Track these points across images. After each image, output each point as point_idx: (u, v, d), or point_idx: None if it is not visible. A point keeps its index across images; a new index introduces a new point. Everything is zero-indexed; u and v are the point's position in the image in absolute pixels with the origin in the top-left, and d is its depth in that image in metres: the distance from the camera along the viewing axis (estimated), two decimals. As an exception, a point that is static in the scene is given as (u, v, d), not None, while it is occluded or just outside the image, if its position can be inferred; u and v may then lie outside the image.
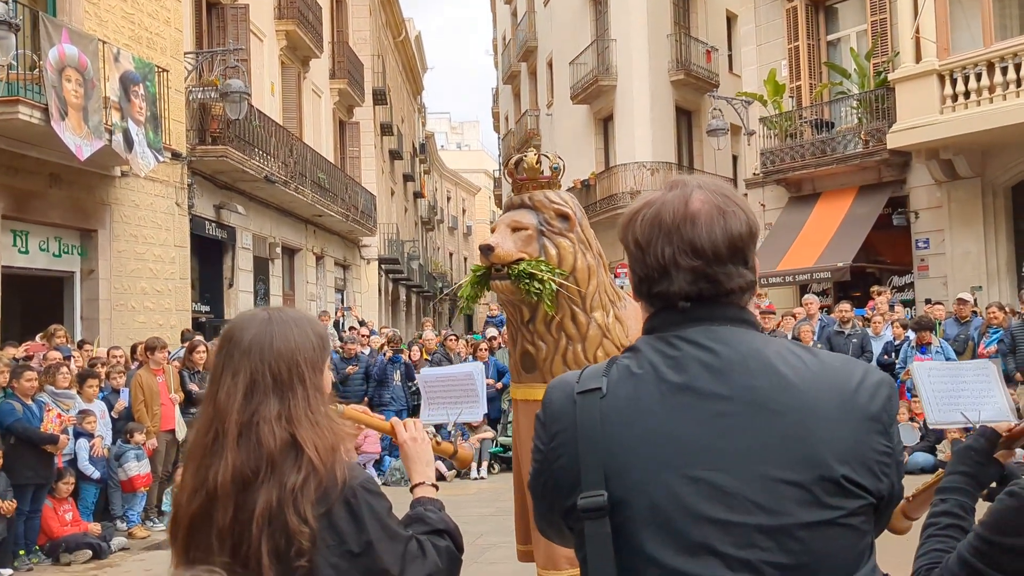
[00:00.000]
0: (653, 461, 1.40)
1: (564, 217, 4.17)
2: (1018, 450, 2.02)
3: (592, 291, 4.17)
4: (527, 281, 3.97)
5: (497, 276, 4.06)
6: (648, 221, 1.50)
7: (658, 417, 1.41)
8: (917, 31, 15.53)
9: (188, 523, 1.83)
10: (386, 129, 35.01)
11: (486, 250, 4.05)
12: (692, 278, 1.46)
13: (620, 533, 1.40)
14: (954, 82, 15.04)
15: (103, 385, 9.43)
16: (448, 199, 65.30)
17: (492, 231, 4.15)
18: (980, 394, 2.39)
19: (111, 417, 9.33)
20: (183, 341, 12.09)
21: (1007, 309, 11.94)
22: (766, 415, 1.39)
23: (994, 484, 1.86)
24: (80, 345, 10.94)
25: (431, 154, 56.11)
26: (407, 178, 43.89)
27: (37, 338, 10.16)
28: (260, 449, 1.79)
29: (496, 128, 51.05)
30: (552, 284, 3.98)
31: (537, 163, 4.27)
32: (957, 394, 2.43)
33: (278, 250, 20.59)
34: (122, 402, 9.52)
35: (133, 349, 10.84)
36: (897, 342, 11.45)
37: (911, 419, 10.74)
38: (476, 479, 12.24)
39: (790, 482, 1.37)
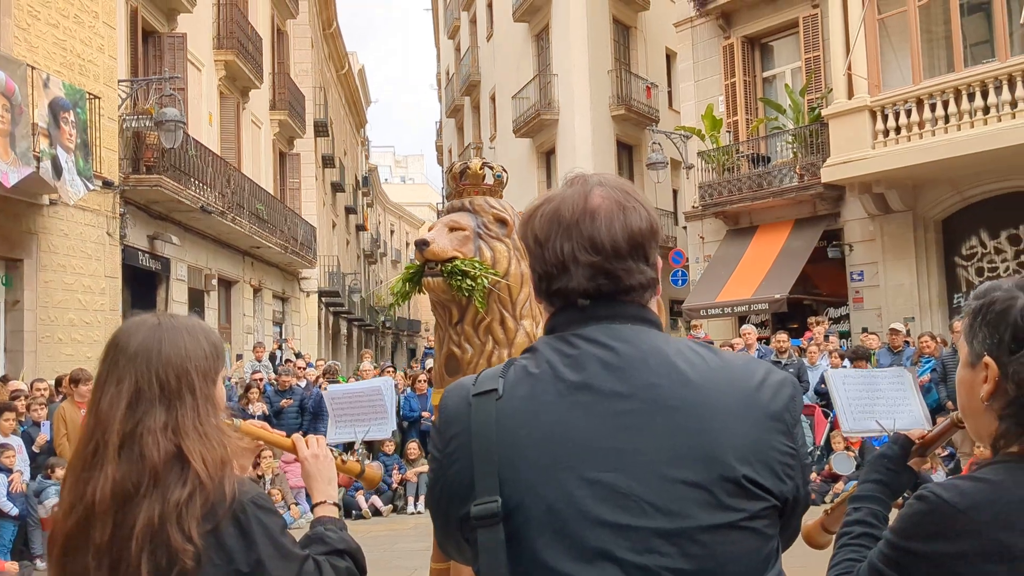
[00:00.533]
0: (549, 463, 1.34)
1: (502, 222, 4.15)
2: (940, 470, 1.98)
3: (523, 299, 4.11)
4: (459, 278, 3.93)
5: (430, 273, 4.01)
6: (547, 217, 1.46)
7: (554, 417, 1.36)
8: (849, 68, 15.89)
9: (64, 541, 1.72)
10: (328, 161, 34.81)
11: (421, 244, 4.00)
12: (591, 274, 1.42)
13: (515, 540, 1.34)
14: (885, 118, 15.39)
15: (23, 418, 9.09)
16: (392, 232, 65.08)
17: (429, 229, 4.11)
18: (895, 402, 2.35)
19: (31, 451, 8.98)
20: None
21: (939, 339, 12.15)
22: (666, 413, 1.34)
23: (908, 492, 1.82)
24: (3, 380, 10.54)
25: (374, 187, 55.94)
26: (349, 211, 43.63)
27: (-46, 370, 9.77)
28: (143, 461, 1.68)
29: (440, 161, 51.11)
30: (484, 281, 3.93)
31: (481, 170, 4.28)
32: (872, 402, 2.39)
33: (214, 282, 20.22)
34: (43, 436, 9.18)
35: (58, 382, 10.49)
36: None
37: (847, 448, 10.82)
38: (413, 513, 12.03)
39: (690, 483, 1.32)
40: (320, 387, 13.10)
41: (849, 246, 17.27)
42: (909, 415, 2.29)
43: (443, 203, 49.65)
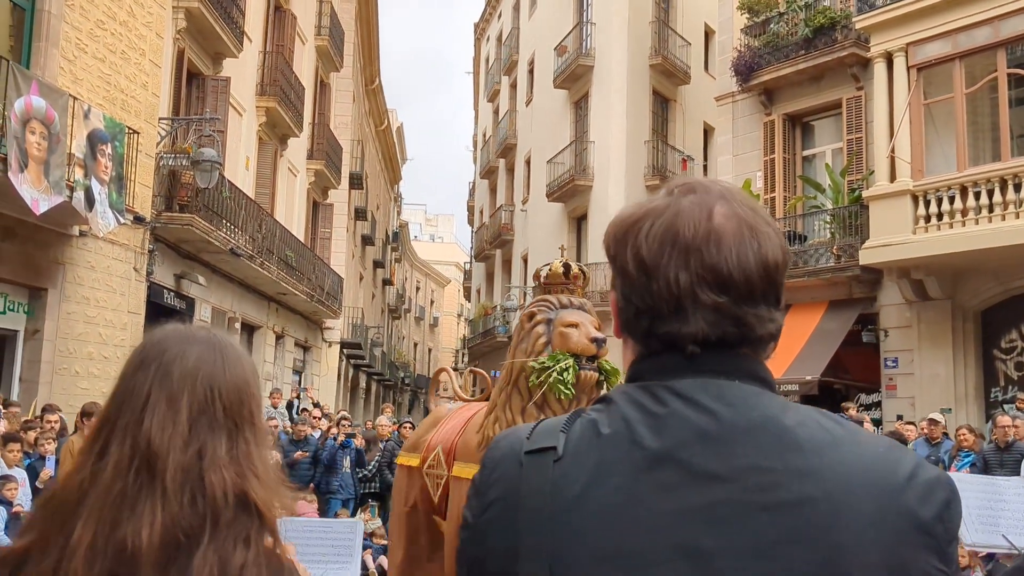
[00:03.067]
0: (611, 556, 1.04)
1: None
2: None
3: None
4: (612, 376, 4.37)
5: (588, 367, 4.33)
6: (658, 235, 1.13)
7: (624, 496, 1.05)
8: (892, 151, 15.68)
9: None
10: (360, 214, 34.92)
11: (602, 342, 4.36)
12: (715, 319, 1.10)
13: None
14: (927, 203, 15.11)
15: (30, 451, 8.84)
16: (417, 289, 65.11)
17: (575, 325, 4.40)
18: (1022, 514, 2.02)
19: (34, 486, 8.71)
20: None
21: (976, 432, 11.70)
22: (774, 511, 1.02)
23: None
24: (6, 405, 10.31)
25: (404, 243, 56.15)
26: (377, 264, 43.69)
27: (-33, 396, 9.57)
28: (203, 501, 1.32)
29: (470, 221, 51.26)
30: (617, 380, 4.33)
31: (559, 269, 4.76)
32: (996, 513, 2.06)
33: (237, 325, 20.07)
34: (47, 471, 8.92)
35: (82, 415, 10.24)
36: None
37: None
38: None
39: None
40: (335, 439, 12.77)
41: (884, 331, 16.86)
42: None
43: (471, 263, 49.79)
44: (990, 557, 9.73)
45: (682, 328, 1.11)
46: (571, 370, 4.30)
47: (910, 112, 15.58)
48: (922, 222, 15.14)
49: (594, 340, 4.35)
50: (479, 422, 4.73)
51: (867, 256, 15.87)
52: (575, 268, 4.75)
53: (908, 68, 15.76)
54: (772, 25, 19.02)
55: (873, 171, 16.43)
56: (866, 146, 17.21)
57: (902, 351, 16.52)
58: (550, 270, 4.75)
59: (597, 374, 4.33)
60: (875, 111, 16.34)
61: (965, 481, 2.12)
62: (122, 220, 12.59)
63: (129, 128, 13.21)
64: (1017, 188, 14.05)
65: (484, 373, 7.07)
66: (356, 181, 32.61)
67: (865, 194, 16.28)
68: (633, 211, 1.18)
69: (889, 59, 16.02)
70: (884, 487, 1.04)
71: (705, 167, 27.20)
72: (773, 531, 1.01)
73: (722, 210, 1.13)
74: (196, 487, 1.33)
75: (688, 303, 1.10)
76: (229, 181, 17.39)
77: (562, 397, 4.29)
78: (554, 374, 4.29)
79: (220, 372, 1.42)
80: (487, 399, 5.60)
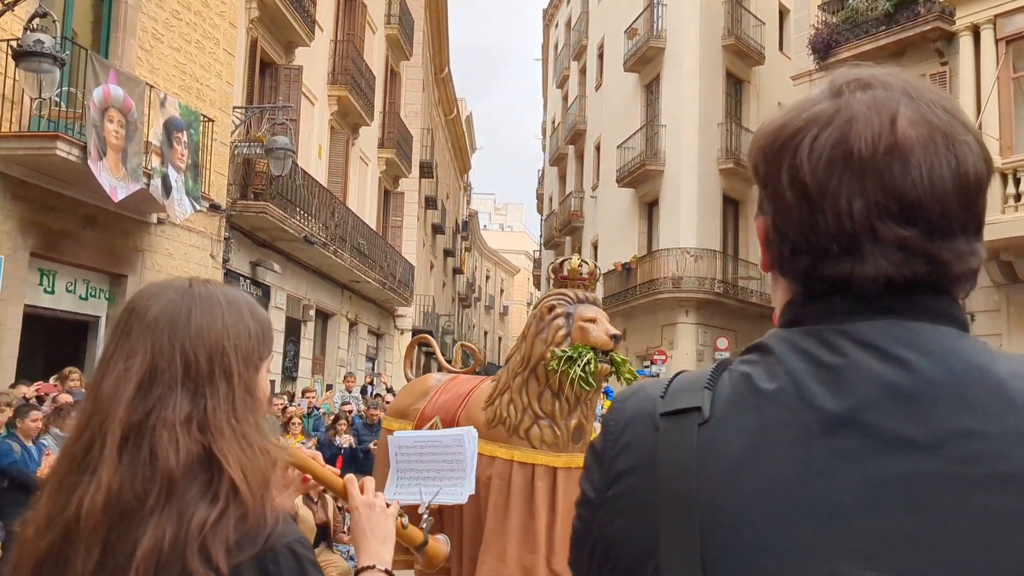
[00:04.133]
0: (790, 546, 0.83)
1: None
2: None
3: None
4: (621, 367, 4.77)
5: (604, 360, 4.67)
6: (824, 152, 0.89)
7: (796, 469, 0.84)
8: (979, 128, 15.05)
9: (32, 570, 1.26)
10: (430, 203, 35.03)
11: (618, 339, 4.71)
12: (900, 258, 0.87)
13: None
14: (1017, 181, 14.50)
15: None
16: (487, 278, 65.25)
17: (593, 320, 4.70)
18: None
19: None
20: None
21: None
22: (994, 485, 0.81)
23: None
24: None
25: (473, 232, 56.25)
26: (447, 253, 43.84)
27: (51, 380, 9.78)
28: (153, 464, 1.23)
29: (539, 209, 51.10)
30: (632, 375, 4.76)
31: (579, 267, 5.10)
32: None
33: (312, 312, 20.27)
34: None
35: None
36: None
37: None
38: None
39: None
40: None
41: (971, 316, 16.25)
42: None
43: (540, 251, 49.69)
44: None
45: (856, 269, 0.88)
46: (592, 363, 4.57)
47: (998, 87, 14.95)
48: (1011, 201, 14.54)
49: (612, 336, 4.66)
50: (482, 398, 5.00)
51: (953, 237, 15.28)
52: (590, 266, 5.19)
53: (996, 41, 15.13)
54: (851, 0, 18.46)
55: (958, 149, 15.82)
56: (951, 123, 16.57)
57: (990, 335, 15.90)
58: (570, 266, 5.06)
59: (610, 367, 4.69)
60: (960, 87, 15.72)
61: None
62: (198, 207, 12.75)
63: (204, 116, 13.37)
64: (1115, 164, 13.38)
65: (475, 348, 7.14)
66: (426, 170, 32.70)
67: (950, 173, 15.69)
68: (789, 118, 0.94)
69: (976, 32, 15.41)
70: None
71: (780, 150, 26.62)
72: (991, 514, 0.80)
73: (908, 114, 0.88)
74: (148, 449, 1.24)
75: (865, 239, 0.87)
76: (302, 169, 17.54)
77: (585, 388, 4.63)
78: (578, 369, 4.56)
79: (184, 324, 1.31)
80: (473, 373, 5.83)
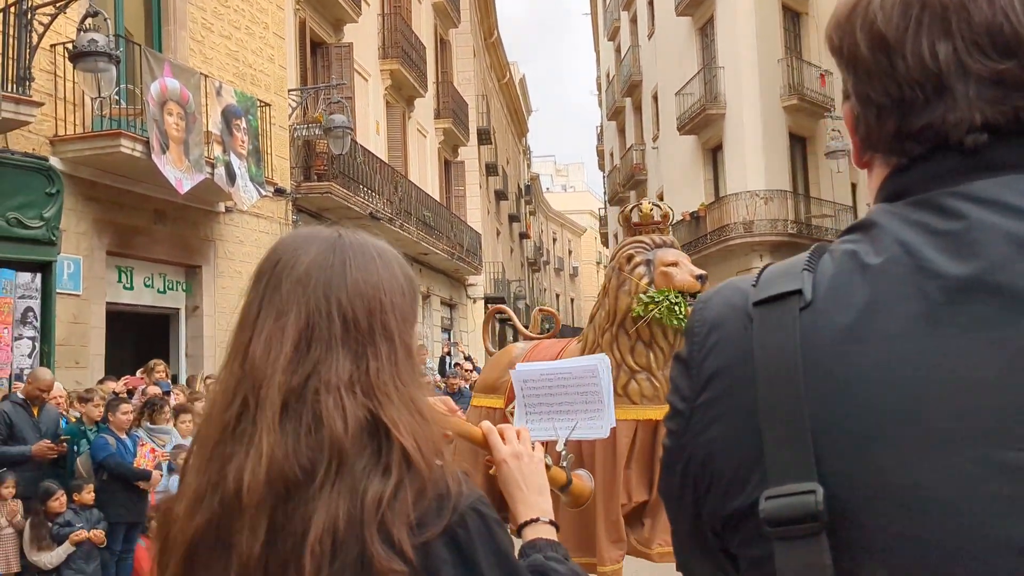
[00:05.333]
0: (925, 430, 0.71)
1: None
2: None
3: None
4: None
5: (692, 304, 4.49)
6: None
7: (923, 345, 0.73)
8: None
9: (187, 550, 1.13)
10: (491, 169, 34.93)
11: (704, 279, 4.44)
12: (998, 93, 0.76)
13: (842, 570, 0.72)
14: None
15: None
16: (554, 241, 65.05)
17: (675, 264, 4.47)
18: None
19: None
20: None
21: None
22: None
23: None
24: (174, 380, 10.71)
25: (536, 195, 56.03)
26: (512, 219, 43.74)
27: (137, 373, 9.97)
28: (319, 432, 1.10)
29: (601, 166, 50.64)
30: None
31: (650, 211, 4.82)
32: None
33: (384, 288, 20.37)
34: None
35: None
36: None
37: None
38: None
39: None
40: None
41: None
42: None
43: (605, 209, 49.28)
44: None
45: (948, 114, 0.78)
46: (681, 305, 4.30)
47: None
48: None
49: (698, 277, 4.38)
50: None
51: None
52: (663, 208, 4.86)
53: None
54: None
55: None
56: None
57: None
58: (641, 212, 4.78)
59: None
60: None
61: None
62: (263, 192, 12.83)
63: (261, 101, 13.42)
64: None
65: (554, 312, 7.03)
66: (484, 137, 32.56)
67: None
68: None
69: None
70: None
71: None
72: None
73: None
74: (311, 414, 1.11)
75: (954, 78, 0.77)
76: (362, 146, 17.55)
77: (675, 324, 4.32)
78: (664, 303, 4.30)
79: (339, 278, 1.18)
80: (555, 337, 5.67)
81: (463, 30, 30.64)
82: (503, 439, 1.48)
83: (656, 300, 4.38)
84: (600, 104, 49.42)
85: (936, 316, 0.73)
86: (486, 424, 1.53)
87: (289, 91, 15.61)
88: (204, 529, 1.12)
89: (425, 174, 24.67)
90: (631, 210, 4.95)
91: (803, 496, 0.73)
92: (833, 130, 19.26)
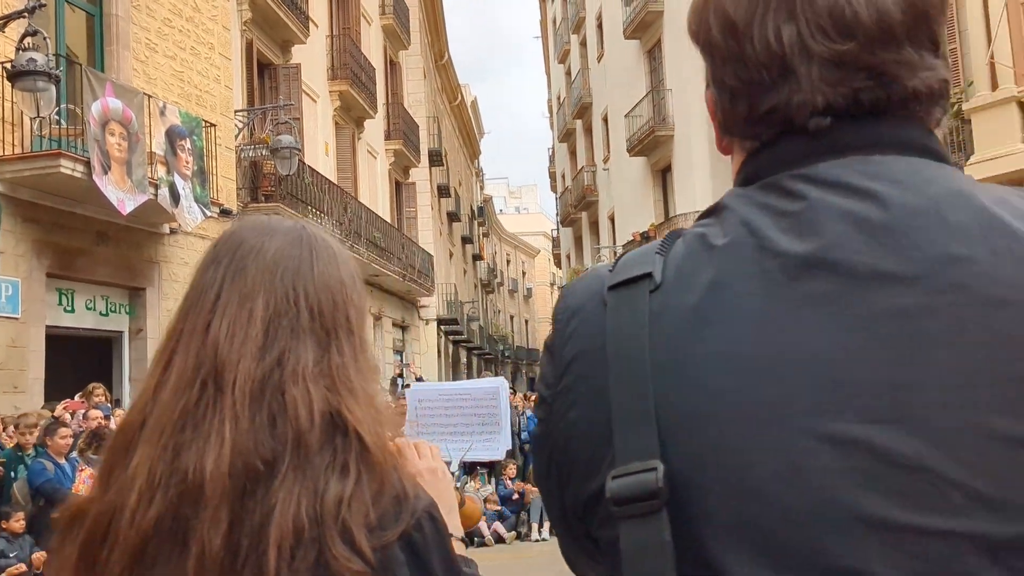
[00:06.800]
0: (755, 405, 0.72)
1: None
2: None
3: None
4: None
5: None
6: None
7: (764, 321, 0.74)
8: (992, 57, 14.75)
9: (137, 546, 1.04)
10: (443, 191, 34.95)
11: None
12: (839, 75, 0.78)
13: (686, 545, 0.73)
14: (1035, 108, 14.20)
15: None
16: (508, 262, 65.14)
17: None
18: None
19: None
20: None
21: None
22: (986, 314, 0.70)
23: None
24: (118, 404, 10.53)
25: (489, 217, 56.14)
26: (465, 240, 43.75)
27: (76, 397, 9.78)
28: (283, 423, 1.05)
29: (553, 188, 50.93)
30: None
31: None
32: None
33: (334, 310, 20.24)
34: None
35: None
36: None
37: None
38: (538, 541, 11.49)
39: None
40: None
41: (998, 250, 15.99)
42: None
43: (558, 230, 49.51)
44: None
45: (793, 96, 0.79)
46: None
47: (1007, 11, 14.61)
48: (1031, 129, 14.24)
49: None
50: None
51: (974, 172, 14.96)
52: None
53: (1001, -33, 14.78)
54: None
55: (972, 82, 15.51)
56: (961, 56, 16.24)
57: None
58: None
59: None
60: (968, 17, 15.40)
61: None
62: (208, 213, 12.71)
63: (206, 122, 13.31)
64: None
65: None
66: (435, 158, 32.60)
67: (966, 107, 15.38)
68: None
69: (979, -40, 15.07)
70: None
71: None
72: (986, 345, 0.70)
73: None
74: (275, 404, 1.06)
75: (797, 60, 0.78)
76: (310, 167, 17.48)
77: None
78: None
79: (307, 268, 1.14)
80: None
81: (413, 52, 30.72)
82: (418, 453, 1.45)
83: None
84: (552, 126, 49.79)
85: (775, 293, 0.74)
86: (401, 440, 1.52)
87: (236, 112, 15.51)
88: (158, 522, 1.04)
89: (376, 195, 24.62)
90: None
91: (645, 474, 0.73)
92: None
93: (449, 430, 2.66)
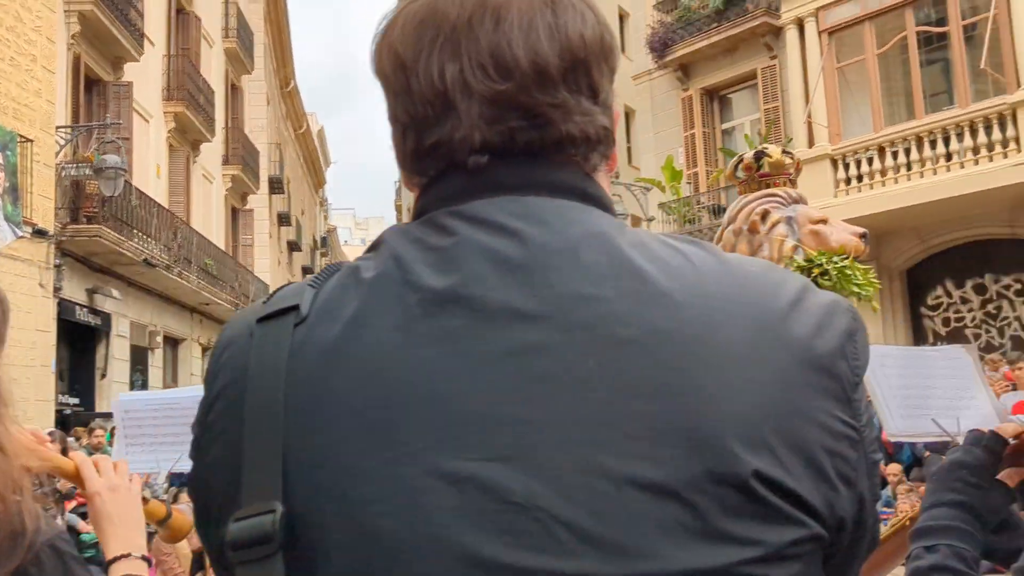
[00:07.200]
0: (378, 443, 0.70)
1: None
2: None
3: None
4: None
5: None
6: (414, 21, 0.82)
7: (397, 357, 0.72)
8: (809, 117, 15.72)
9: None
10: (284, 219, 34.23)
11: (867, 238, 3.52)
12: (494, 113, 0.79)
13: None
14: (847, 166, 15.19)
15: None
16: (350, 294, 64.43)
17: (825, 221, 3.46)
18: (956, 393, 1.69)
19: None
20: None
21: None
22: (610, 352, 0.71)
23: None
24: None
25: (333, 247, 55.36)
26: (306, 270, 42.91)
27: None
28: None
29: (399, 220, 50.76)
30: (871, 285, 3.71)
31: (782, 157, 3.59)
32: (926, 392, 1.71)
33: (159, 339, 19.39)
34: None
35: None
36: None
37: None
38: None
39: (651, 486, 0.68)
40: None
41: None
42: (977, 411, 1.64)
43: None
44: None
45: (455, 132, 0.79)
46: (854, 268, 3.41)
47: (824, 77, 15.63)
48: (843, 185, 15.24)
49: (861, 235, 3.44)
50: None
51: (792, 223, 15.89)
52: (795, 158, 3.68)
53: (819, 33, 15.83)
54: (683, -1, 19.00)
55: (792, 138, 16.46)
56: (783, 115, 17.26)
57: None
58: (771, 159, 3.55)
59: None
60: (790, 79, 16.39)
61: (889, 355, 1.64)
62: (20, 233, 11.97)
63: (22, 137, 12.57)
64: (932, 145, 14.19)
65: None
66: (276, 186, 31.90)
67: (785, 162, 16.32)
68: (395, 5, 0.88)
69: (800, 25, 16.09)
70: (762, 313, 0.74)
71: (629, 150, 27.19)
72: (610, 383, 0.70)
73: None
74: None
75: (459, 97, 0.79)
76: (138, 189, 16.76)
77: (854, 291, 3.38)
78: (833, 269, 3.35)
79: None
80: None
81: (257, 77, 30.06)
82: (98, 471, 1.41)
83: (817, 264, 3.38)
84: (398, 159, 49.82)
85: (411, 328, 0.73)
86: (79, 455, 1.47)
87: (57, 128, 14.72)
88: None
89: (210, 221, 23.82)
90: (757, 155, 3.63)
91: (262, 516, 0.70)
92: (615, 195, 20.09)
93: (159, 440, 2.52)
